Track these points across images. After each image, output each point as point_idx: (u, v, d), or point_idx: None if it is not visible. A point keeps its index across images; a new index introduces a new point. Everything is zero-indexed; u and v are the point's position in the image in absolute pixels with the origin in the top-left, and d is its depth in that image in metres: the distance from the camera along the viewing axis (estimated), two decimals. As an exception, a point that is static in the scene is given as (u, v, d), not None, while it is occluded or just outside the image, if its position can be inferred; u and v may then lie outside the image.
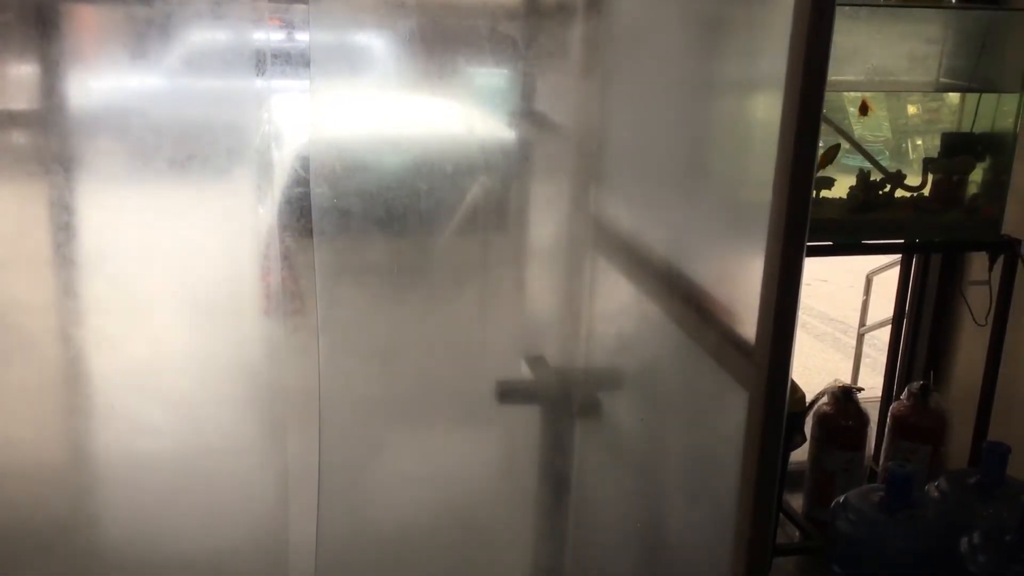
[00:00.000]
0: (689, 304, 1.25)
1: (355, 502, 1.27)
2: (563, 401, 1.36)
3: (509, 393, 1.30)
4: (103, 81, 1.10)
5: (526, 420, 1.34)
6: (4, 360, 1.13)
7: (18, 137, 1.10)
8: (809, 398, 1.84)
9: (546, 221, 1.28)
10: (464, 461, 1.33)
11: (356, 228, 1.16)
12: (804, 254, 1.09)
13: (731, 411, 1.20)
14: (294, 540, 1.24)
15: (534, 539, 1.41)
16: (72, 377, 1.18)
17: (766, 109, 1.13)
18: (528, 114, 1.22)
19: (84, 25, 1.09)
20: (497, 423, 1.33)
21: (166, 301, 1.16)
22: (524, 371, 1.32)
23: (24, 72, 1.06)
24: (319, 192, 1.13)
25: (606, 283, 1.33)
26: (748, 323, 1.14)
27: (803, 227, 1.07)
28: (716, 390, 1.25)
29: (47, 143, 1.08)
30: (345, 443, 1.24)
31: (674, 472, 1.36)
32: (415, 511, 1.30)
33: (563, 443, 1.37)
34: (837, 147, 1.69)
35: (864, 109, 1.69)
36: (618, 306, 1.35)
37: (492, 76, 1.20)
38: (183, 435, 1.21)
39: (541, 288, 1.31)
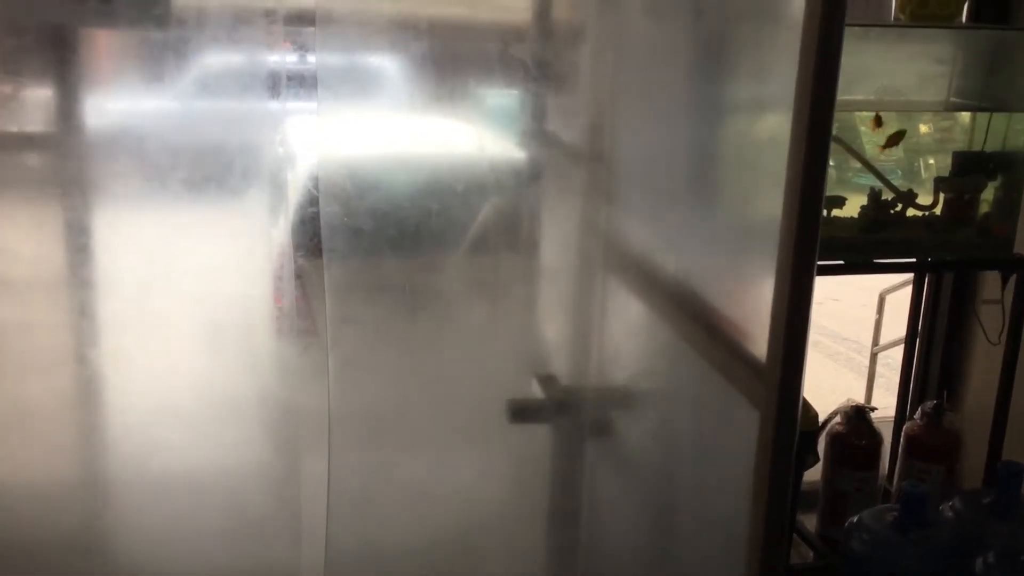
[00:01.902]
0: (700, 323, 1.25)
1: (365, 520, 1.27)
2: (574, 420, 1.36)
3: (520, 412, 1.30)
4: (120, 104, 1.11)
5: (537, 439, 1.35)
6: (21, 379, 1.14)
7: (36, 159, 1.11)
8: (822, 418, 1.83)
9: (557, 240, 1.29)
10: (475, 480, 1.33)
11: (367, 247, 1.17)
12: (815, 272, 1.09)
13: (742, 430, 1.19)
14: (305, 558, 1.24)
15: (545, 558, 1.41)
16: (87, 397, 1.19)
17: (775, 128, 1.13)
18: (538, 134, 1.23)
19: (101, 49, 1.11)
20: (508, 442, 1.33)
21: (181, 321, 1.17)
22: (535, 390, 1.32)
23: (42, 95, 1.08)
24: (329, 211, 1.14)
25: (617, 302, 1.33)
26: (759, 342, 1.14)
27: (813, 245, 1.07)
28: (727, 409, 1.24)
29: (64, 165, 1.10)
30: (355, 461, 1.24)
31: (685, 491, 1.35)
32: (425, 529, 1.30)
33: (574, 462, 1.37)
34: (903, 132, 1.68)
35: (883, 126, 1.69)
36: (629, 325, 1.35)
37: (502, 97, 1.21)
38: (195, 454, 1.22)
39: (552, 307, 1.32)
